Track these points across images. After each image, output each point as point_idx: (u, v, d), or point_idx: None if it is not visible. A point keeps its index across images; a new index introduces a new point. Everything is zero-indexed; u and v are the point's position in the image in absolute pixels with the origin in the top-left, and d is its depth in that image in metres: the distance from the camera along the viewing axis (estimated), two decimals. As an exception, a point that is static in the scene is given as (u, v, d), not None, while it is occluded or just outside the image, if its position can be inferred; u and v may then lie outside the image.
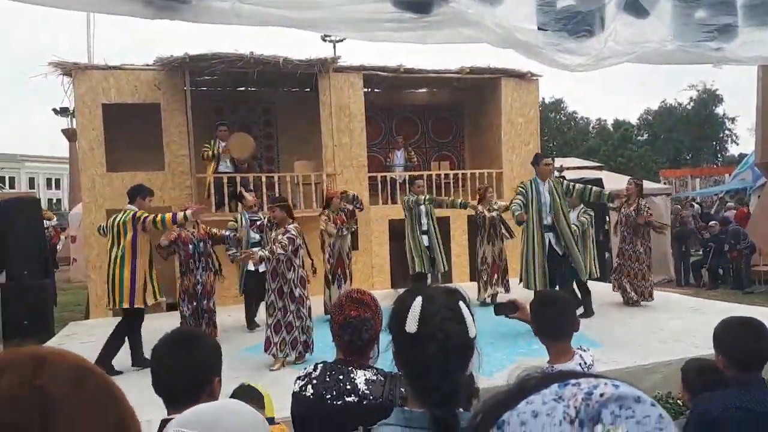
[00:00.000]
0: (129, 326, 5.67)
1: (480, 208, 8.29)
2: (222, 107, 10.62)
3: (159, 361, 1.68)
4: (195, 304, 6.25)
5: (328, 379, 1.89)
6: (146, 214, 5.53)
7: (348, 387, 1.85)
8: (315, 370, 1.95)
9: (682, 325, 6.57)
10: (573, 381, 0.59)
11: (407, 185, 10.60)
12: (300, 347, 5.55)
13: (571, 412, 0.54)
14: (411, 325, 1.25)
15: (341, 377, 1.87)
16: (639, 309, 7.70)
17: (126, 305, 5.66)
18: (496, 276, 8.22)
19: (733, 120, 42.86)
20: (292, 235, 5.41)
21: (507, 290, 8.12)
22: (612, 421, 0.53)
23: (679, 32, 3.72)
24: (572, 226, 6.73)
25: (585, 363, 2.38)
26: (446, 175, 10.64)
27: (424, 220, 8.36)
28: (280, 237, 5.40)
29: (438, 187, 10.44)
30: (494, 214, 8.22)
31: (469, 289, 8.68)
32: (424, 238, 8.36)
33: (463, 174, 10.78)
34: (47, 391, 0.51)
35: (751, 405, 1.91)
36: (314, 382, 1.91)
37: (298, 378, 1.98)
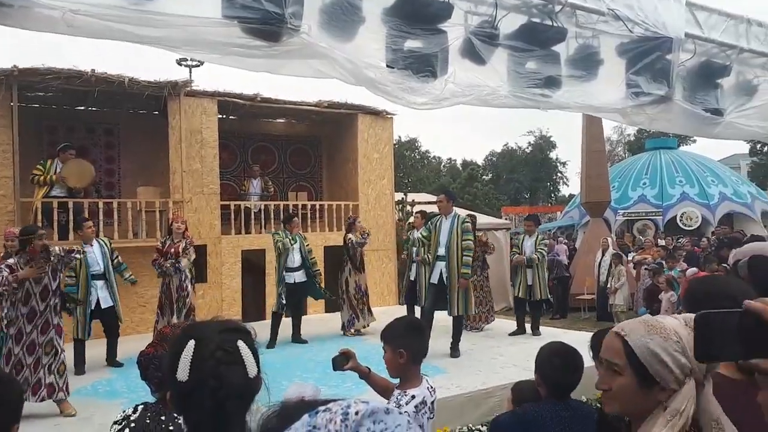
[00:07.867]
0: None
1: (350, 236, 8.39)
2: (57, 126, 9.69)
3: None
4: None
5: (148, 421, 1.73)
6: None
7: (171, 428, 1.71)
8: (135, 412, 1.78)
9: (519, 350, 7.05)
10: (322, 408, 0.61)
11: (263, 215, 10.39)
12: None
13: None
14: (182, 373, 1.12)
15: (163, 418, 1.73)
16: (482, 335, 8.20)
17: None
18: (366, 305, 8.41)
19: (564, 164, 47.78)
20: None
21: (372, 318, 8.31)
22: None
23: (512, 80, 4.08)
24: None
25: (431, 387, 2.45)
26: (303, 206, 10.59)
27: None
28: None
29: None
30: (363, 241, 8.41)
31: (332, 320, 8.67)
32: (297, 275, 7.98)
33: (320, 205, 10.79)
34: None
35: (561, 411, 2.24)
36: (132, 425, 1.73)
37: (115, 422, 1.79)
